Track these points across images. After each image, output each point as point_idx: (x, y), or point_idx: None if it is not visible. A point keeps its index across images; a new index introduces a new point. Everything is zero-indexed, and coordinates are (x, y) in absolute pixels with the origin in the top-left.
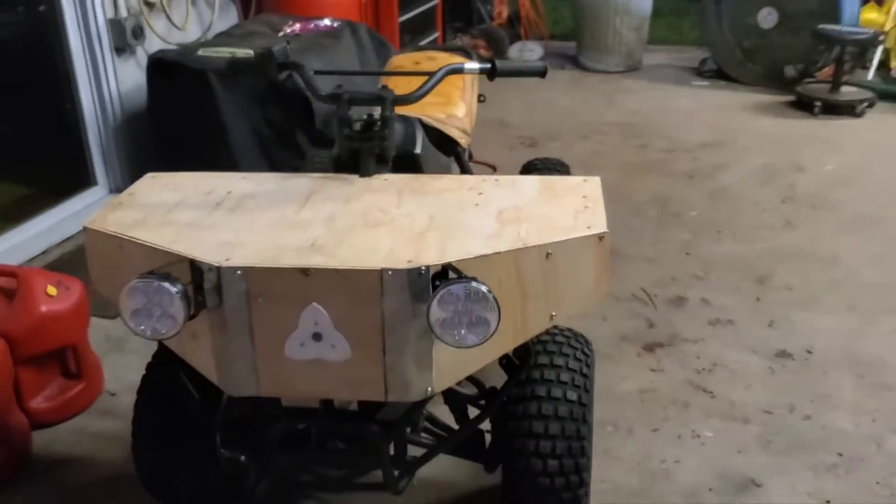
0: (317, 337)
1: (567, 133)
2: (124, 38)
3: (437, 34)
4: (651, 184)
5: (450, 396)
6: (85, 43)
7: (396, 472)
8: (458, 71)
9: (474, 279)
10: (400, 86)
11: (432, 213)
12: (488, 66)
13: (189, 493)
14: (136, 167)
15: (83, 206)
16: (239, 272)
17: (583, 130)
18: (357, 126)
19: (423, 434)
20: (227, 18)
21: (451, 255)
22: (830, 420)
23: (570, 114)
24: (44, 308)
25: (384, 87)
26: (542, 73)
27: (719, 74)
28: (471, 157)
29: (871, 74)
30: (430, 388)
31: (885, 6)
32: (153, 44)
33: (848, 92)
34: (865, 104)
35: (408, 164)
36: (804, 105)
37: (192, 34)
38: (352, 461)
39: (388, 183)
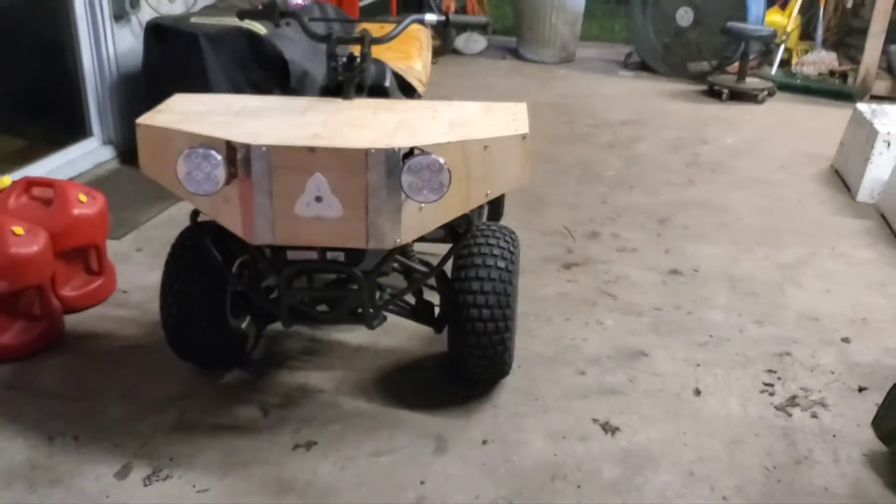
0: (318, 199)
1: None
2: (122, 6)
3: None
4: (576, 151)
5: (409, 275)
6: (87, 10)
7: (370, 311)
8: (420, 21)
9: (434, 154)
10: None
11: (400, 121)
12: (443, 17)
13: (206, 351)
14: (128, 121)
15: (80, 153)
16: (264, 149)
17: None
18: (342, 60)
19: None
20: None
21: (416, 142)
22: (706, 315)
23: (509, 95)
24: (76, 211)
25: (364, 30)
26: (484, 25)
27: (643, 67)
28: None
29: (774, 69)
30: (398, 239)
31: (787, 10)
32: (146, 13)
33: (751, 82)
34: (766, 93)
35: (379, 94)
36: (714, 93)
37: (178, 7)
38: (338, 298)
39: (366, 103)
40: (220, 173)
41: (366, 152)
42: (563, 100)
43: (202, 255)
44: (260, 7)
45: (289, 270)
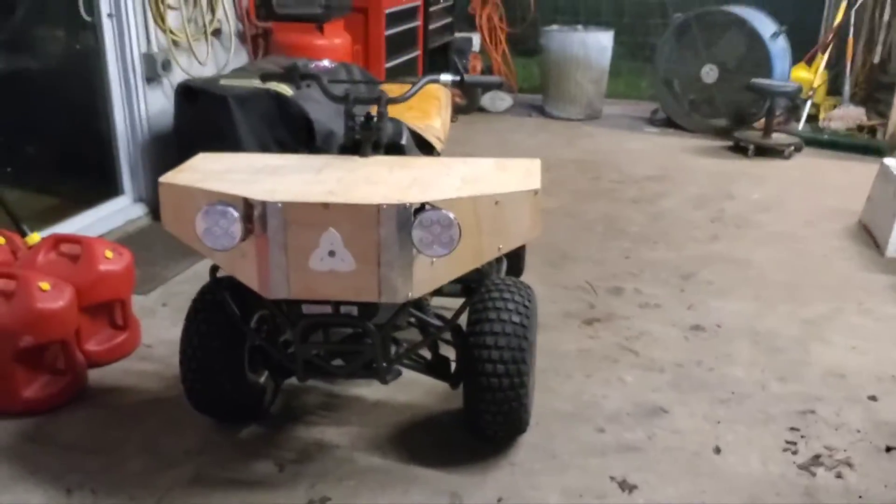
0: (332, 253)
1: None
2: (155, 69)
3: None
4: (600, 206)
5: (424, 329)
6: (121, 72)
7: (385, 364)
8: (436, 80)
9: (443, 209)
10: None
11: (415, 177)
12: (458, 77)
13: (224, 405)
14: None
15: (112, 211)
16: (279, 205)
17: (544, 165)
18: (359, 119)
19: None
20: (240, 58)
21: (428, 197)
22: (728, 371)
23: (534, 152)
24: (102, 267)
25: (381, 90)
26: (499, 85)
27: (668, 123)
28: None
29: (801, 125)
30: (410, 293)
31: (813, 66)
32: (177, 75)
33: (778, 138)
34: (792, 148)
35: (395, 152)
36: (740, 149)
37: (209, 70)
38: (351, 352)
39: (382, 160)
40: (237, 229)
41: (378, 208)
42: (589, 156)
43: (221, 310)
44: (282, 70)
45: (303, 324)
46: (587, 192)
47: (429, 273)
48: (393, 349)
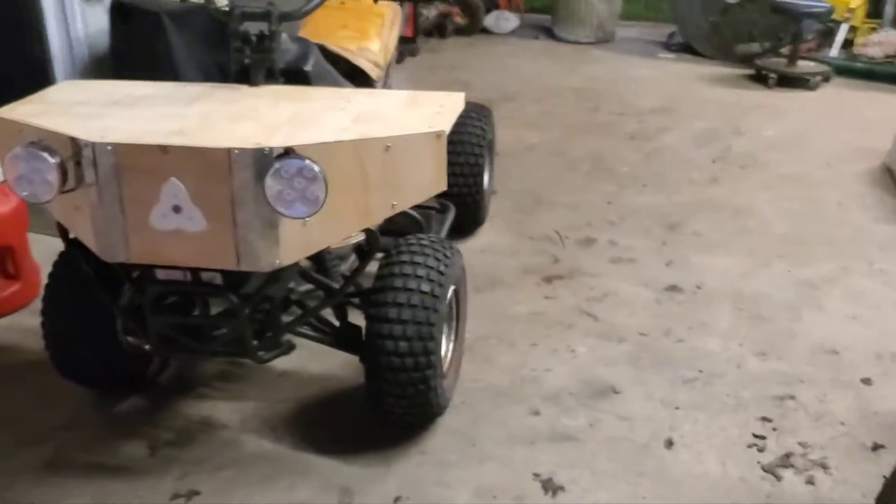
0: (177, 209)
1: (524, 96)
2: None
3: None
4: (592, 143)
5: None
6: None
7: (256, 343)
8: None
9: (308, 158)
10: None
11: (297, 113)
12: None
13: (94, 373)
14: None
15: None
16: (109, 147)
17: (539, 94)
18: (253, 39)
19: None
20: None
21: (295, 141)
22: (701, 343)
23: (533, 79)
24: None
25: (271, 3)
26: None
27: (686, 48)
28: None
29: (834, 51)
30: (277, 261)
31: None
32: None
33: (804, 66)
34: (820, 78)
35: (298, 80)
36: (761, 78)
37: None
38: (214, 328)
39: (271, 91)
40: (55, 177)
41: (228, 152)
42: (591, 84)
43: (80, 276)
44: None
45: (152, 292)
46: (580, 125)
47: (300, 236)
48: (274, 320)
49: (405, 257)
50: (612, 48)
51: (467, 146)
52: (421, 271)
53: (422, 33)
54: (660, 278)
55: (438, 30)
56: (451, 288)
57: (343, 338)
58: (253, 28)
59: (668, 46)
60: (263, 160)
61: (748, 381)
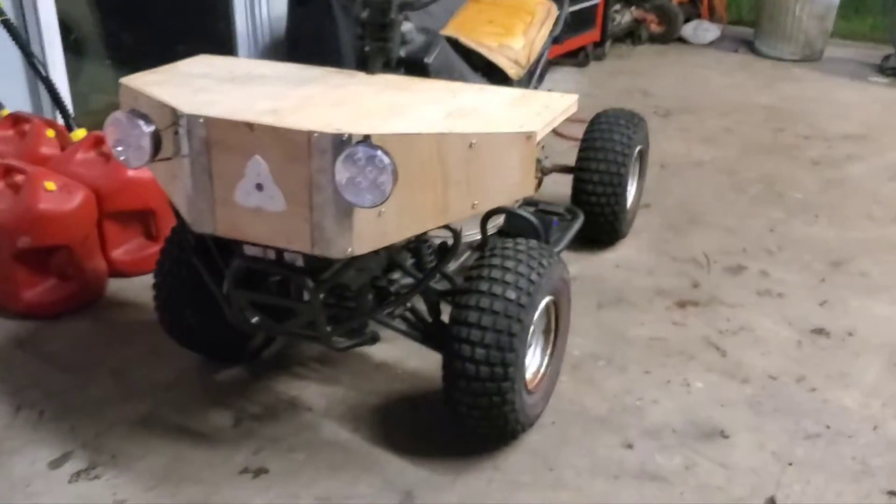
0: (259, 187)
1: (706, 109)
2: None
3: None
4: (768, 165)
5: (423, 291)
6: None
7: (329, 329)
8: None
9: (380, 148)
10: (469, 18)
11: (395, 103)
12: None
13: (198, 339)
14: None
15: None
16: (201, 120)
17: (724, 108)
18: (365, 24)
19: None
20: None
21: (378, 130)
22: (836, 396)
23: (720, 92)
24: (131, 173)
25: None
26: None
27: None
28: None
29: None
30: (350, 249)
31: None
32: None
33: None
34: None
35: (418, 71)
36: None
37: None
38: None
39: (383, 80)
40: (147, 144)
41: (308, 135)
42: (784, 103)
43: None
44: None
45: (234, 267)
46: (760, 145)
47: (375, 227)
48: (356, 307)
49: (496, 260)
50: (817, 67)
51: (609, 153)
52: (509, 277)
53: (611, 38)
54: (808, 318)
55: (631, 36)
56: (546, 299)
57: (432, 335)
58: (378, 17)
59: (882, 70)
60: (341, 146)
61: (882, 448)
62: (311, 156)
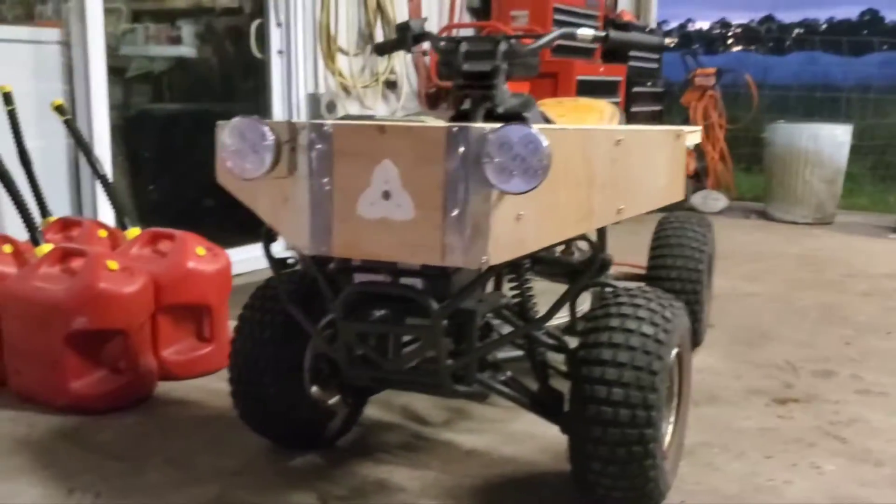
0: (386, 195)
1: (739, 256)
2: (318, 110)
3: None
4: (819, 296)
5: (530, 351)
6: (285, 111)
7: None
8: (572, 36)
9: (532, 127)
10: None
11: None
12: (602, 34)
13: (273, 418)
14: None
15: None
16: (326, 127)
17: (756, 256)
18: (469, 75)
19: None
20: (411, 109)
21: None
22: None
23: (747, 246)
24: (190, 264)
25: (498, 38)
26: (660, 47)
27: None
28: None
29: None
30: (485, 257)
31: None
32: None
33: None
34: None
35: None
36: None
37: (380, 112)
38: (401, 337)
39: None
40: (268, 154)
41: (447, 131)
42: (813, 252)
43: (277, 306)
44: (395, 36)
45: (348, 293)
46: (804, 281)
47: (513, 231)
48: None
49: (623, 299)
50: (832, 229)
51: (686, 249)
52: (643, 313)
53: None
54: None
55: None
56: (675, 350)
57: (541, 401)
58: (483, 65)
59: None
60: (482, 139)
61: None
62: (448, 153)
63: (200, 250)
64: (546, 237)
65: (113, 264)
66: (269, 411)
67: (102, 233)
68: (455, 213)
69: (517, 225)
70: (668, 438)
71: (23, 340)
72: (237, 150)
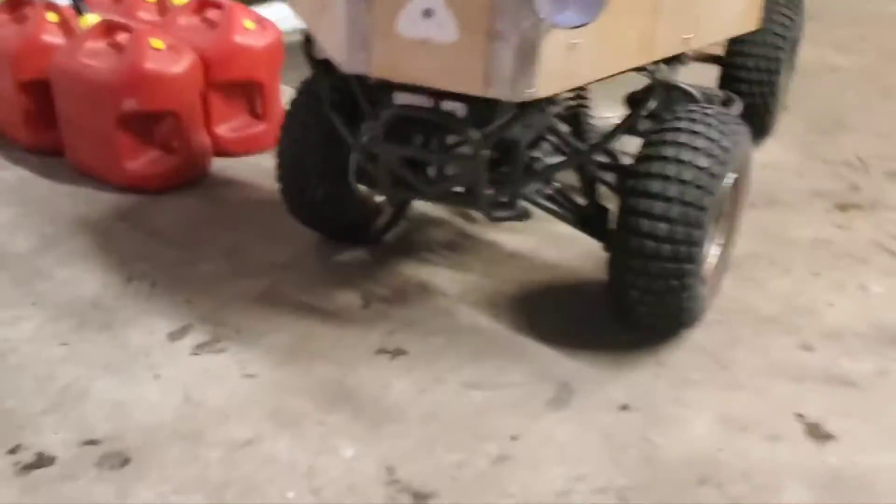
0: (428, 13)
1: (834, 17)
2: None
3: None
4: None
5: (580, 168)
6: None
7: (488, 192)
8: None
9: None
10: None
11: None
12: None
13: (321, 213)
14: None
15: None
16: None
17: (855, 16)
18: None
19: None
20: None
21: None
22: None
23: (844, 3)
24: (238, 39)
25: None
26: None
27: None
28: None
29: None
30: (532, 89)
31: None
32: None
33: None
34: None
35: None
36: None
37: None
38: (447, 168)
39: None
40: None
41: None
42: None
43: (321, 108)
44: None
45: (387, 115)
46: None
47: (565, 62)
48: (520, 173)
49: (683, 124)
50: None
51: (767, 35)
52: (700, 142)
53: None
54: None
55: None
56: (733, 176)
57: (588, 218)
58: None
59: None
60: None
61: None
62: None
63: (249, 23)
64: (602, 68)
65: (158, 43)
66: (316, 209)
67: None
68: (501, 38)
69: (570, 54)
70: (712, 262)
71: (76, 116)
72: None
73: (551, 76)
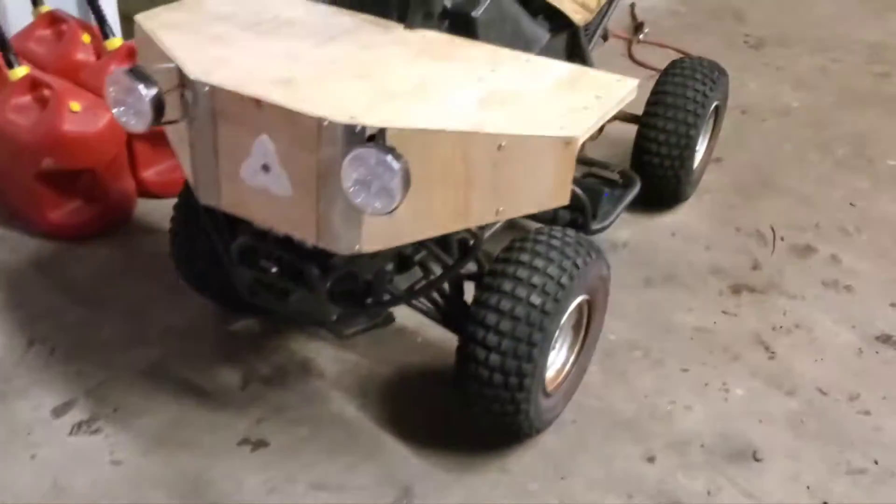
0: (265, 168)
1: (803, 42)
2: None
3: None
4: (863, 119)
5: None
6: None
7: (334, 318)
8: None
9: (392, 150)
10: None
11: (424, 80)
12: None
13: (217, 291)
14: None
15: None
16: (206, 88)
17: (823, 44)
18: None
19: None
20: None
21: (396, 122)
22: (891, 426)
23: (822, 22)
24: None
25: None
26: None
27: None
28: (605, 36)
29: None
30: (357, 246)
31: None
32: None
33: None
34: None
35: (463, 27)
36: None
37: None
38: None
39: (421, 38)
40: (147, 109)
41: (318, 122)
42: (893, 39)
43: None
44: None
45: (240, 242)
46: (858, 93)
47: (387, 225)
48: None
49: (524, 256)
50: None
51: (679, 112)
52: (536, 279)
53: None
54: (874, 321)
55: None
56: (579, 299)
57: (450, 315)
58: None
59: None
60: (353, 138)
61: None
62: (320, 144)
63: None
64: (420, 231)
65: (76, 105)
66: (206, 284)
67: (86, 38)
68: (328, 202)
69: (390, 219)
70: (565, 370)
71: (1, 166)
72: (120, 102)
73: (375, 236)
